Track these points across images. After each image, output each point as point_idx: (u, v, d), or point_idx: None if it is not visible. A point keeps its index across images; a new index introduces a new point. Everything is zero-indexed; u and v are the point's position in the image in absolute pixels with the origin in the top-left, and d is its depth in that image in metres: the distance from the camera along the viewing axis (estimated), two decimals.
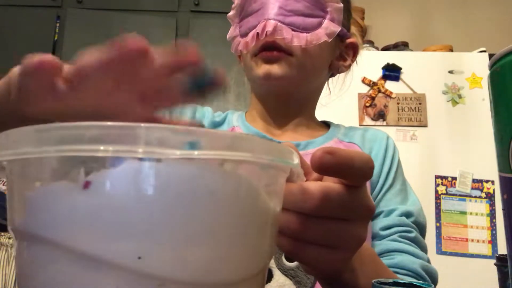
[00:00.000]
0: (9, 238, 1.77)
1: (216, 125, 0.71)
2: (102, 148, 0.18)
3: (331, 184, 0.30)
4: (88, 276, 0.19)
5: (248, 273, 0.22)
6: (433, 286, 0.30)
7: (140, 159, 0.19)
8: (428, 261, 0.59)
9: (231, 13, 0.69)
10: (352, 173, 0.29)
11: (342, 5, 0.64)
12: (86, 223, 0.19)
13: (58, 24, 2.31)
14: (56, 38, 2.29)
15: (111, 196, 0.19)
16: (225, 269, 0.21)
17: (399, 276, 0.55)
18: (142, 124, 0.18)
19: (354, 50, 0.72)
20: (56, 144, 0.18)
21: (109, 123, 0.18)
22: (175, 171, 0.19)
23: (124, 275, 0.19)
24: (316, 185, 0.29)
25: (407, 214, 0.61)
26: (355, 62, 0.74)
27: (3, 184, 2.23)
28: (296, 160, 0.25)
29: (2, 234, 1.79)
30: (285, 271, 0.55)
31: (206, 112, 0.71)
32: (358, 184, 0.31)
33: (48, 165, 0.20)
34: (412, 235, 0.59)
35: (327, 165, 0.28)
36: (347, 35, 0.69)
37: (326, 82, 0.77)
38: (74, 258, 0.19)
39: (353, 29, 0.74)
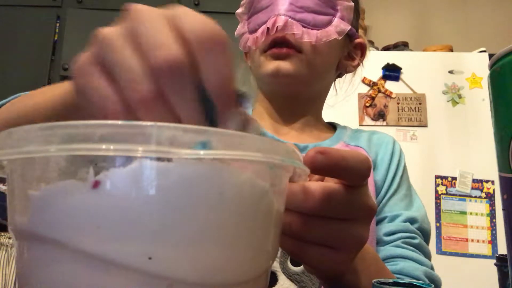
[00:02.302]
0: (9, 238, 1.77)
1: None
2: (104, 147, 0.18)
3: (331, 184, 0.30)
4: (95, 278, 0.19)
5: (253, 273, 0.22)
6: (432, 286, 0.29)
7: (150, 158, 0.18)
8: (432, 268, 0.58)
9: (239, 10, 0.69)
10: (347, 173, 0.29)
11: (352, 3, 0.64)
12: (95, 224, 0.18)
13: (58, 24, 2.31)
14: (56, 38, 2.29)
15: (120, 196, 0.19)
16: (232, 270, 0.21)
17: None
18: (153, 123, 0.18)
19: (362, 50, 0.71)
20: (61, 143, 0.18)
21: (119, 122, 0.18)
22: (184, 171, 0.19)
23: (133, 276, 0.18)
24: (317, 185, 0.29)
25: (412, 220, 0.60)
26: (361, 64, 0.73)
27: (3, 184, 2.23)
28: (302, 160, 0.25)
29: (2, 234, 1.79)
30: (290, 276, 0.54)
31: None
32: (356, 183, 0.30)
33: (55, 164, 0.20)
34: (416, 241, 0.59)
35: (319, 165, 0.28)
36: (355, 34, 0.68)
37: (334, 84, 0.76)
38: (81, 259, 0.19)
39: (360, 32, 0.74)
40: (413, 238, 0.59)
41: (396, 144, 0.69)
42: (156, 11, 0.23)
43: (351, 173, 0.29)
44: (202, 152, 0.18)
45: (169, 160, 0.19)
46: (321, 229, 0.30)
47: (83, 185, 0.19)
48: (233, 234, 0.20)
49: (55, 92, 0.34)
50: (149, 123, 0.18)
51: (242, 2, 0.68)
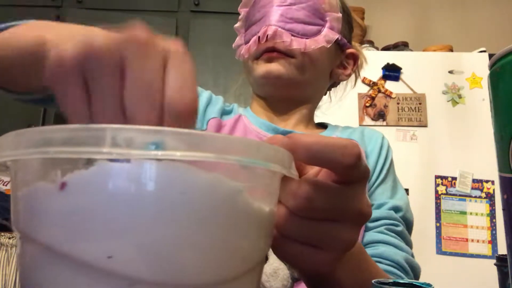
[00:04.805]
0: (9, 238, 1.77)
1: (226, 112, 0.72)
2: (58, 149, 0.18)
3: (322, 182, 0.28)
4: (63, 274, 0.20)
5: (225, 275, 0.21)
6: (433, 286, 0.29)
7: (108, 160, 0.19)
8: (412, 256, 0.60)
9: (237, 24, 0.73)
10: (322, 158, 0.27)
11: (340, 14, 0.68)
12: (61, 223, 0.20)
13: None
14: None
15: (83, 197, 0.19)
16: (196, 270, 0.20)
17: (381, 266, 0.56)
18: (109, 125, 0.19)
19: (354, 60, 0.74)
20: (28, 147, 0.19)
21: (77, 125, 0.19)
22: (141, 171, 0.19)
23: (95, 274, 0.19)
24: (306, 184, 0.28)
25: (396, 209, 0.63)
26: (358, 77, 0.78)
27: (3, 184, 2.23)
28: (278, 161, 0.23)
29: (2, 234, 1.79)
30: None
31: (219, 99, 0.72)
32: (342, 172, 0.28)
33: (31, 167, 0.21)
34: (398, 228, 0.61)
35: (284, 147, 0.26)
36: (347, 45, 0.72)
37: (328, 93, 0.80)
38: (53, 256, 0.20)
39: (356, 45, 0.78)
40: (396, 225, 0.61)
41: (384, 139, 0.73)
42: (154, 48, 0.25)
43: (328, 158, 0.27)
44: (153, 152, 0.19)
45: (127, 161, 0.19)
46: (305, 226, 0.29)
47: (52, 186, 0.20)
48: (197, 234, 0.20)
49: (28, 40, 0.36)
50: (105, 126, 0.19)
51: (239, 17, 0.73)
